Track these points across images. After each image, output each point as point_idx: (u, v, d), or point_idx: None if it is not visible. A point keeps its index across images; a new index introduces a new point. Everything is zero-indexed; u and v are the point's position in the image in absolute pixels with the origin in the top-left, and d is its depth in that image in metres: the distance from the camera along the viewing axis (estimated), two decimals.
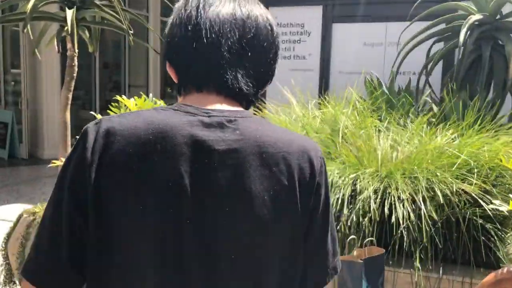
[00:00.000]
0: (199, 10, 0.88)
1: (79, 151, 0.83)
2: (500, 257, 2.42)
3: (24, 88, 8.20)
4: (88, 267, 0.84)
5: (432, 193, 2.32)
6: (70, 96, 2.95)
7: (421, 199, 2.27)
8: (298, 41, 7.50)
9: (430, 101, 4.23)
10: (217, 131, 0.83)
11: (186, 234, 0.81)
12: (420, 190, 2.31)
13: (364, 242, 1.99)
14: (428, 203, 2.29)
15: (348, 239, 2.11)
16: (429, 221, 2.25)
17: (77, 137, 0.87)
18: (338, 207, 2.44)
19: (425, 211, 2.24)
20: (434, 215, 2.24)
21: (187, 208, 0.81)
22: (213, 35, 0.86)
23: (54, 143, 5.51)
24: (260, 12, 0.91)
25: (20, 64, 8.21)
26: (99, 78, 9.02)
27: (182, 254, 0.81)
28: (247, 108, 0.92)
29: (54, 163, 2.44)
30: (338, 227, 2.43)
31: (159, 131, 0.82)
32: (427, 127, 3.15)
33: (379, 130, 3.30)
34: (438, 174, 2.40)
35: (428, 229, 2.23)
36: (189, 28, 0.87)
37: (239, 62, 0.87)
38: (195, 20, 0.87)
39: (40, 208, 2.91)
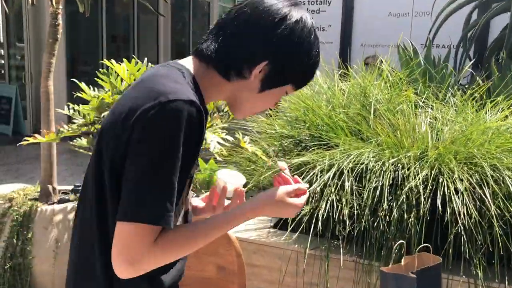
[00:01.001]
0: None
1: None
2: None
3: (28, 63, 7.80)
4: None
5: (502, 184, 1.83)
6: (54, 61, 2.48)
7: (487, 191, 1.77)
8: (317, 11, 6.98)
9: (474, 73, 3.70)
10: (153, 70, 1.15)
11: None
12: (484, 180, 1.82)
13: (417, 249, 1.52)
14: (494, 196, 1.80)
15: (396, 245, 1.65)
16: (498, 219, 1.76)
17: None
18: (376, 198, 1.97)
19: (492, 206, 1.75)
20: (506, 212, 1.75)
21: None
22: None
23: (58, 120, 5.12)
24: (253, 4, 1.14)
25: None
26: (106, 52, 8.58)
27: None
28: (225, 73, 1.12)
29: (27, 140, 1.99)
30: (375, 224, 1.96)
31: None
32: (475, 102, 2.65)
33: (416, 106, 2.81)
34: (505, 159, 1.91)
35: (497, 229, 1.75)
36: None
37: (217, 34, 1.14)
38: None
39: (19, 194, 2.47)
